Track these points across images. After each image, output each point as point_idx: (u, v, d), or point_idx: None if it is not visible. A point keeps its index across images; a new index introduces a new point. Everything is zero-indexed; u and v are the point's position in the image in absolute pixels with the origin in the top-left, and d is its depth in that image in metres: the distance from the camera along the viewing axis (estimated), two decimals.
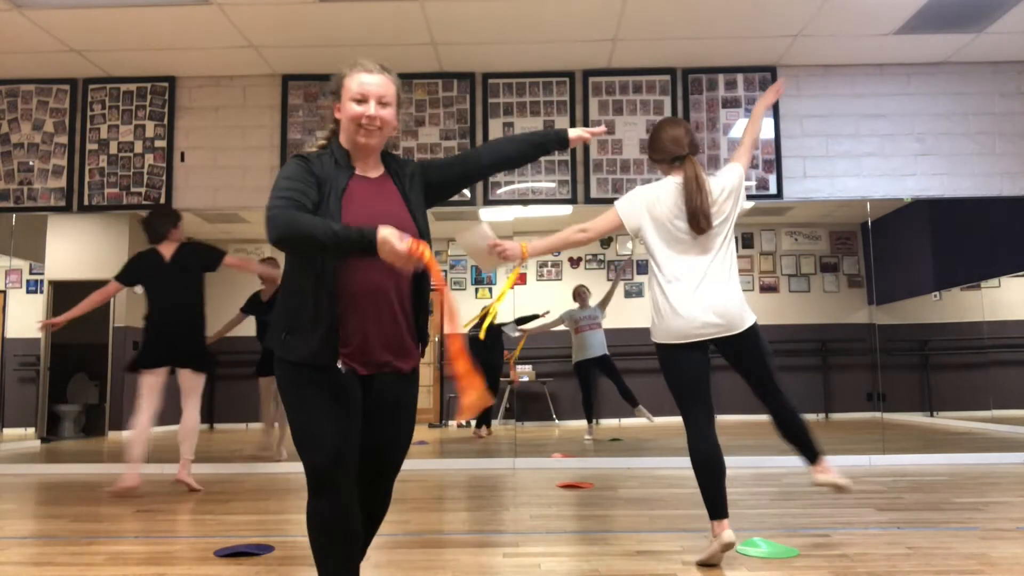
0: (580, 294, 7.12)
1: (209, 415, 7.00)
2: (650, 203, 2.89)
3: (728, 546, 2.72)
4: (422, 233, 2.01)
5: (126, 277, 4.77)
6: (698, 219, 2.80)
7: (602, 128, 2.51)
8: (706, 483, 2.80)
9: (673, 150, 2.90)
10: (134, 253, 4.83)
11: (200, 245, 4.91)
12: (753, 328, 2.85)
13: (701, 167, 2.91)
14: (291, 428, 1.96)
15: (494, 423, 7.50)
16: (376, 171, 2.08)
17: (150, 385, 4.63)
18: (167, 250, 4.73)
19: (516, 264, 2.79)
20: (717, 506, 2.78)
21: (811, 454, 2.94)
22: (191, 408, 4.73)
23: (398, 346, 2.01)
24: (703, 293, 2.80)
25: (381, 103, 2.01)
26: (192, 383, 4.74)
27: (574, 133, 2.38)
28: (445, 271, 7.48)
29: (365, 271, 1.92)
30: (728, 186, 2.91)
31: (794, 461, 5.29)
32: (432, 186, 2.15)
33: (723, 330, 2.80)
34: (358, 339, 1.95)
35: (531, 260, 7.35)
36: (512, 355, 7.14)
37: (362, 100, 1.99)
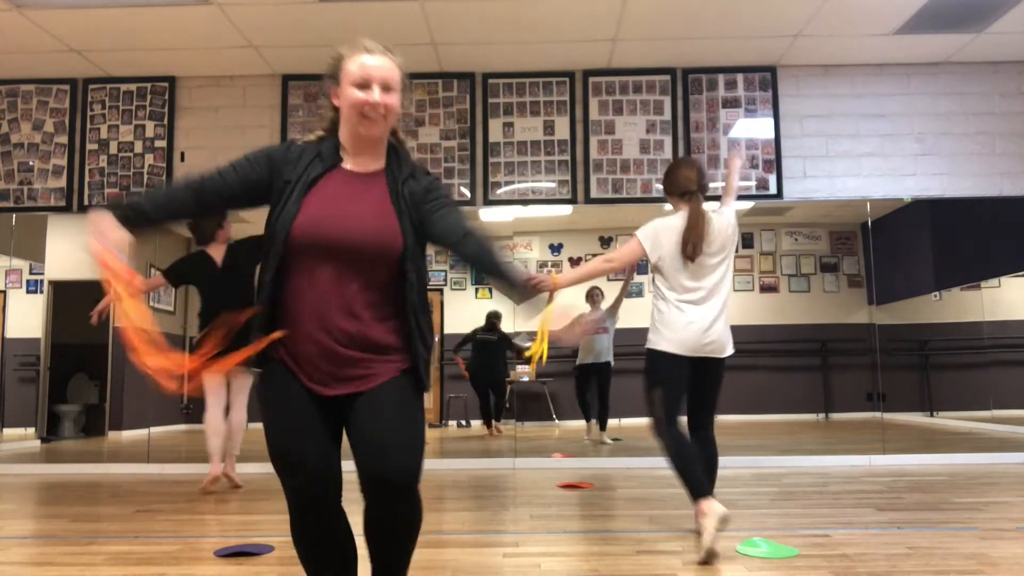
0: (592, 296, 7.06)
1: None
2: (666, 232, 3.19)
3: (724, 519, 2.80)
4: (405, 236, 1.79)
5: (173, 277, 4.82)
6: (687, 245, 3.13)
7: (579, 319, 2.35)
8: (688, 468, 3.00)
9: (685, 185, 3.25)
10: (186, 253, 4.86)
11: (247, 242, 4.83)
12: (726, 358, 3.21)
13: (704, 205, 3.22)
14: (267, 443, 1.79)
15: (494, 423, 7.49)
16: (372, 165, 1.86)
17: (211, 382, 4.67)
18: (216, 252, 4.74)
19: (549, 293, 2.92)
20: (702, 485, 2.93)
21: (705, 489, 3.05)
22: (239, 406, 4.76)
23: (349, 358, 1.76)
24: (710, 317, 3.14)
25: (385, 88, 1.79)
26: (242, 382, 4.76)
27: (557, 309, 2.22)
28: (444, 271, 7.46)
29: (304, 270, 1.75)
30: (733, 221, 3.28)
31: (794, 461, 5.33)
32: (422, 217, 1.86)
33: (716, 352, 3.16)
34: (299, 348, 1.78)
35: (535, 261, 7.37)
36: (533, 359, 7.10)
37: (364, 85, 1.77)
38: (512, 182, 5.76)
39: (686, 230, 3.15)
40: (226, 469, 4.66)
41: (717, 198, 5.69)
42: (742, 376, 8.23)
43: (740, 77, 5.78)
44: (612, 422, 6.90)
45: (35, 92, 5.84)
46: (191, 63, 5.64)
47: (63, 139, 5.80)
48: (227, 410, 4.72)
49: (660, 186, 5.71)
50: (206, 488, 4.52)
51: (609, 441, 6.73)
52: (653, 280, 3.26)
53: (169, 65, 5.67)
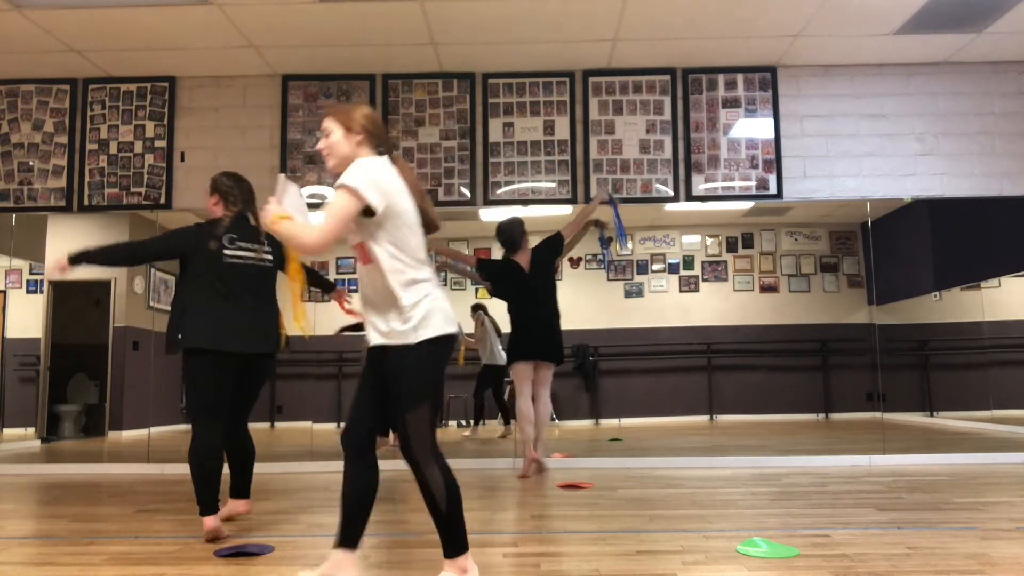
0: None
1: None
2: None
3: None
4: None
5: (483, 272, 5.25)
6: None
7: None
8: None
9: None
10: (498, 262, 5.24)
11: (545, 242, 5.20)
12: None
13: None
14: None
15: (494, 423, 7.48)
16: None
17: (521, 374, 5.02)
18: (523, 259, 5.12)
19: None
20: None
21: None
22: (544, 398, 5.08)
23: None
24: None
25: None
26: (547, 375, 5.08)
27: None
28: (444, 272, 7.44)
29: None
30: None
31: (794, 461, 5.33)
32: None
33: None
34: None
35: None
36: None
37: None
38: (512, 182, 5.76)
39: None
40: (535, 454, 5.00)
41: (715, 198, 5.73)
42: (742, 376, 8.25)
43: (740, 77, 5.78)
44: (612, 422, 6.90)
45: (35, 92, 5.84)
46: (191, 63, 5.64)
47: (63, 139, 5.80)
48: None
49: (660, 186, 5.71)
50: (524, 472, 4.96)
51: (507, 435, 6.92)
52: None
53: (169, 65, 5.67)
